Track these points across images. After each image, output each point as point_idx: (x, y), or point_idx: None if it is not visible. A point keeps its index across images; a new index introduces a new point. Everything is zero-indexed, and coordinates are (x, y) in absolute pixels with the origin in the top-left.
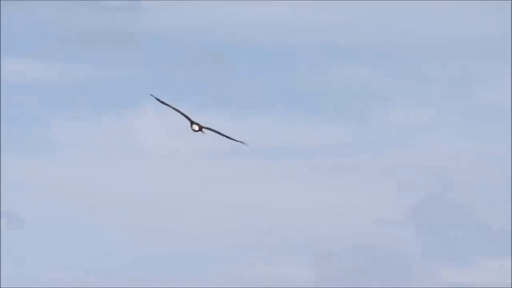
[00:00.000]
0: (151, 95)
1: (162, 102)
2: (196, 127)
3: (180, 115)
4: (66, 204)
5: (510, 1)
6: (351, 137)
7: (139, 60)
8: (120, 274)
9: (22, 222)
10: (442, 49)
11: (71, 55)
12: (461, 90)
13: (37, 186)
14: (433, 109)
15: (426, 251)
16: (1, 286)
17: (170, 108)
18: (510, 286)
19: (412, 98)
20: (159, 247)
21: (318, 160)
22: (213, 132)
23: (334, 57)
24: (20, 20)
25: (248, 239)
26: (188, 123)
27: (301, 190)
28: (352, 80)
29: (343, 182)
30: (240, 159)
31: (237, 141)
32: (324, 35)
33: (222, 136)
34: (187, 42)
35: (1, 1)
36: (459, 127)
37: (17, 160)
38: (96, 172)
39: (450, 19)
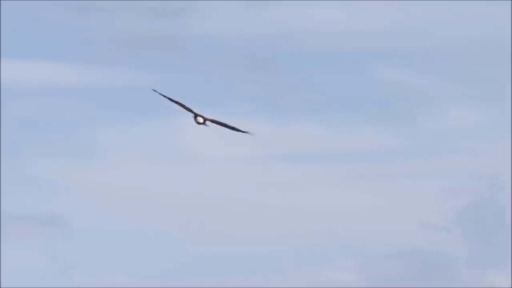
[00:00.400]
0: (154, 90)
1: (165, 96)
2: (201, 120)
3: (184, 109)
4: (113, 208)
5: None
6: (398, 142)
7: (185, 65)
8: (166, 279)
9: (68, 227)
10: (494, 52)
11: (118, 59)
12: (510, 94)
13: (84, 190)
14: (481, 113)
15: (472, 255)
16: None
17: (173, 102)
18: (510, 286)
19: (459, 102)
20: (206, 250)
21: (365, 165)
22: (218, 125)
23: (381, 61)
24: (67, 25)
25: (294, 242)
26: (192, 116)
27: (347, 195)
28: (399, 84)
29: (389, 186)
30: (287, 164)
31: (242, 131)
32: (371, 39)
33: (227, 128)
34: (233, 47)
35: (50, 6)
36: (507, 132)
37: (64, 164)
38: (144, 176)
39: (499, 23)
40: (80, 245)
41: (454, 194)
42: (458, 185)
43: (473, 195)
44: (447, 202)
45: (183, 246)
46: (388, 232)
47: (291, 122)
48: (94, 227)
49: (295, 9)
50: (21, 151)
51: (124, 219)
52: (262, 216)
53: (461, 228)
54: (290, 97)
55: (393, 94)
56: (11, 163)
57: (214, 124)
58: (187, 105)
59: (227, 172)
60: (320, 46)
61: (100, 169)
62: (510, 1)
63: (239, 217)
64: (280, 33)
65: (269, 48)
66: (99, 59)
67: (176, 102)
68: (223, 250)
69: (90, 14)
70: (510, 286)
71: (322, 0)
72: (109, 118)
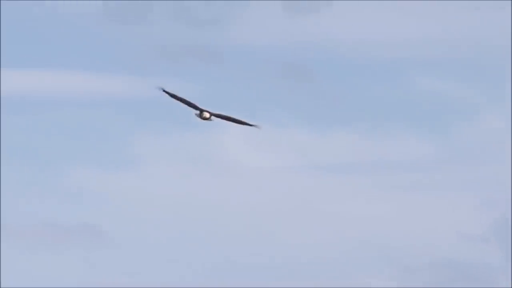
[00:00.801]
0: (162, 89)
1: (169, 93)
2: (208, 115)
3: (189, 106)
4: (151, 218)
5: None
6: (436, 151)
7: (223, 74)
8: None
9: (106, 237)
10: None
11: (155, 69)
12: None
13: (122, 201)
14: None
15: (509, 266)
16: (1, 286)
17: (177, 100)
18: (510, 286)
19: (497, 112)
20: (244, 257)
21: (403, 174)
22: (224, 119)
23: (419, 70)
24: (104, 35)
25: (332, 250)
26: (193, 111)
27: (385, 204)
28: (438, 93)
29: (428, 195)
30: (326, 173)
31: (250, 124)
32: (409, 48)
33: (234, 122)
34: (271, 56)
35: (99, 21)
36: None
37: (102, 175)
38: (183, 187)
39: None
40: (117, 255)
41: (492, 204)
42: (496, 195)
43: (509, 204)
44: (484, 212)
45: (222, 255)
46: (426, 242)
47: (330, 131)
48: (132, 238)
49: (333, 18)
50: (59, 161)
51: (163, 229)
52: (301, 224)
53: (498, 238)
54: (329, 106)
55: (432, 103)
56: (49, 173)
57: (219, 119)
58: (191, 102)
59: (265, 182)
60: (358, 54)
61: (138, 180)
62: None
63: (278, 225)
64: (318, 42)
65: (307, 57)
66: (137, 69)
67: (181, 100)
68: (261, 257)
69: (127, 24)
70: (510, 286)
71: (358, 9)
72: (147, 129)
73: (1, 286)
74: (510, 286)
